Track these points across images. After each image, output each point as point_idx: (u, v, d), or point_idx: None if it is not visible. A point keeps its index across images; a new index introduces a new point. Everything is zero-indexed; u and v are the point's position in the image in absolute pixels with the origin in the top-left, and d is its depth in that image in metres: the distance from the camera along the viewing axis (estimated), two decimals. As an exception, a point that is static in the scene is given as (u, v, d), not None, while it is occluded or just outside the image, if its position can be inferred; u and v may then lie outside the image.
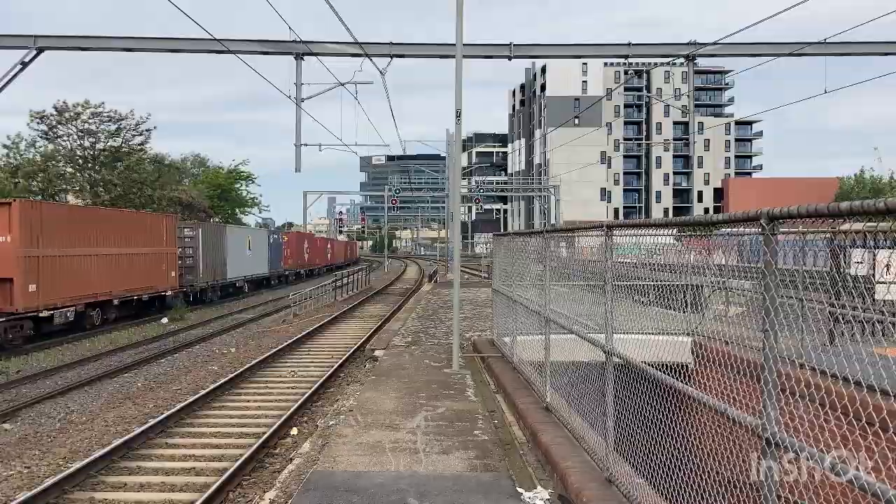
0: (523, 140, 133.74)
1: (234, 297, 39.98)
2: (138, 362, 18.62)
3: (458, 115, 13.62)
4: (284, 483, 8.08)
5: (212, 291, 36.98)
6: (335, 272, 58.96)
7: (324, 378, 15.11)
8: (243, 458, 9.49)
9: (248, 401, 13.81)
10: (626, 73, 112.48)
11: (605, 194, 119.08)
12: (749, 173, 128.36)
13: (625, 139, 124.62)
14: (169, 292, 30.85)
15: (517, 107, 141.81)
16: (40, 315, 21.55)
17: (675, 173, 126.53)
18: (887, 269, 10.89)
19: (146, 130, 46.12)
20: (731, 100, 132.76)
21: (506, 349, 13.30)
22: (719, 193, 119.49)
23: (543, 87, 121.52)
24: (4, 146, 43.97)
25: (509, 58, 22.45)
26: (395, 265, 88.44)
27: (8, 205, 21.25)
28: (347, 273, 44.49)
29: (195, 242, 34.37)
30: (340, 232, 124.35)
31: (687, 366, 5.21)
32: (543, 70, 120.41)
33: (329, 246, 77.99)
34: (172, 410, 12.24)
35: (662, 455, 5.43)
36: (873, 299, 10.33)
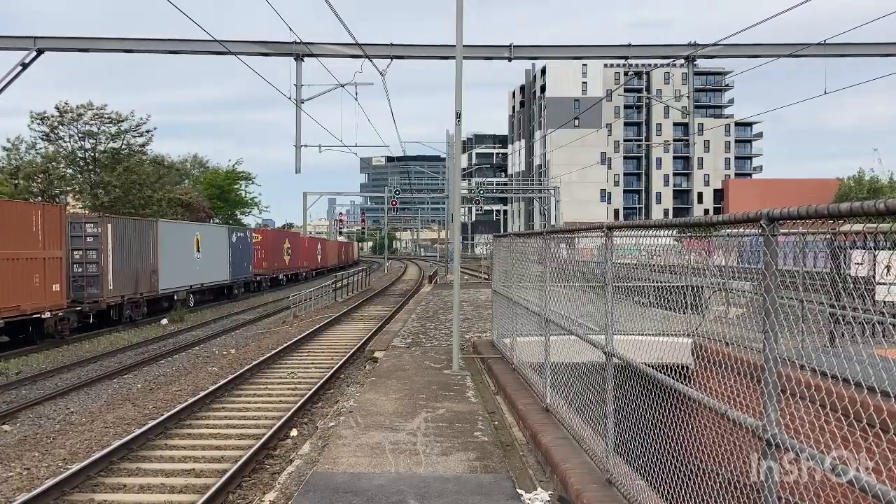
0: (523, 141, 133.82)
1: (166, 314, 29.94)
2: (138, 363, 18.61)
3: (458, 116, 13.62)
4: (284, 484, 8.07)
5: (132, 308, 27.50)
6: (328, 276, 53.79)
7: (324, 379, 15.11)
8: (243, 460, 9.48)
9: (248, 402, 13.81)
10: (625, 74, 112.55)
11: (605, 195, 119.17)
12: (749, 174, 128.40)
13: (625, 140, 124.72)
14: (48, 313, 21.58)
15: (517, 108, 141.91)
16: None
17: (675, 174, 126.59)
18: (887, 271, 10.89)
19: (147, 132, 46.12)
20: (731, 101, 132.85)
21: (506, 350, 13.30)
22: (719, 194, 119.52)
23: (543, 88, 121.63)
24: (4, 148, 44.00)
25: (509, 59, 22.48)
26: (394, 266, 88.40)
27: None
28: (346, 275, 43.80)
29: (101, 243, 25.28)
30: (340, 233, 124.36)
31: (687, 367, 5.20)
32: (543, 71, 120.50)
33: (319, 246, 69.85)
34: (172, 412, 12.23)
35: (663, 456, 5.43)
36: (873, 300, 10.33)
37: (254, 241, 45.95)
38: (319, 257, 68.50)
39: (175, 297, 31.77)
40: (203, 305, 34.76)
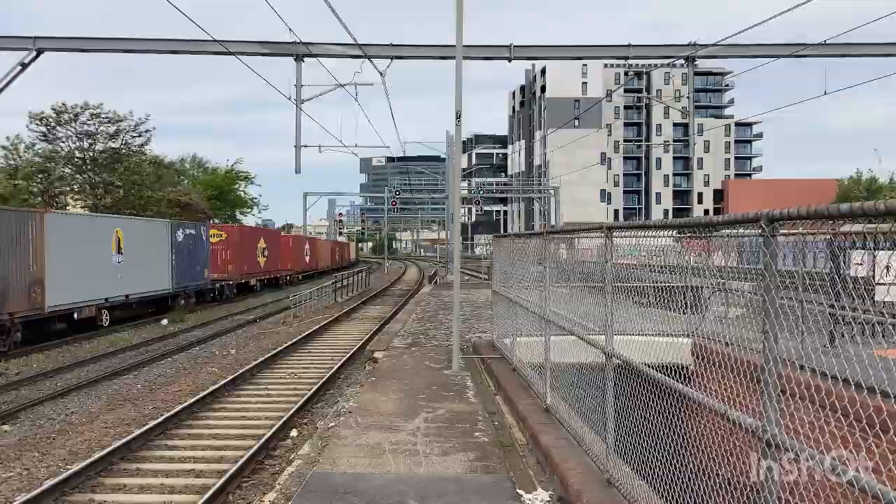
0: (523, 141, 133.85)
1: (58, 339, 22.26)
2: (138, 364, 18.60)
3: (458, 116, 13.62)
4: (284, 485, 8.06)
5: None
6: (319, 280, 49.41)
7: (324, 380, 15.12)
8: (243, 460, 9.49)
9: (248, 402, 13.81)
10: (625, 74, 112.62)
11: (605, 196, 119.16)
12: (749, 175, 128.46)
13: (625, 140, 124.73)
14: None
15: (517, 108, 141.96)
16: None
17: (674, 175, 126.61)
18: (887, 271, 10.88)
19: (145, 132, 46.15)
20: (731, 101, 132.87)
21: (506, 351, 13.30)
22: (719, 195, 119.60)
23: (543, 89, 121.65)
24: (3, 147, 43.98)
25: (509, 59, 22.48)
26: (394, 267, 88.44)
27: None
28: (346, 275, 43.48)
29: None
30: (340, 233, 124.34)
31: (687, 367, 5.21)
32: (543, 71, 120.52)
33: (308, 247, 62.07)
34: (172, 412, 12.23)
35: (663, 456, 5.43)
36: (873, 301, 10.32)
37: (215, 239, 38.31)
38: (308, 258, 61.08)
39: (76, 316, 23.60)
40: (127, 323, 26.65)
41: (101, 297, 25.25)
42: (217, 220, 55.84)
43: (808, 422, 4.70)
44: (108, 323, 25.63)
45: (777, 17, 17.10)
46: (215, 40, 18.96)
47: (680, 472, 5.09)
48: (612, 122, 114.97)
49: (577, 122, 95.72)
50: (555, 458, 7.23)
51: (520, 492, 6.95)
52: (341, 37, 30.16)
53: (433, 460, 7.97)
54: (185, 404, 12.80)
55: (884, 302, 10.15)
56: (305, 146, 25.01)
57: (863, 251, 12.10)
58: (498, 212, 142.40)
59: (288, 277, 52.58)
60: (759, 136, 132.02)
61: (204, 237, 35.93)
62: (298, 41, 21.29)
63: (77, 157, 43.98)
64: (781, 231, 3.60)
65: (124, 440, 10.51)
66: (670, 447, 5.35)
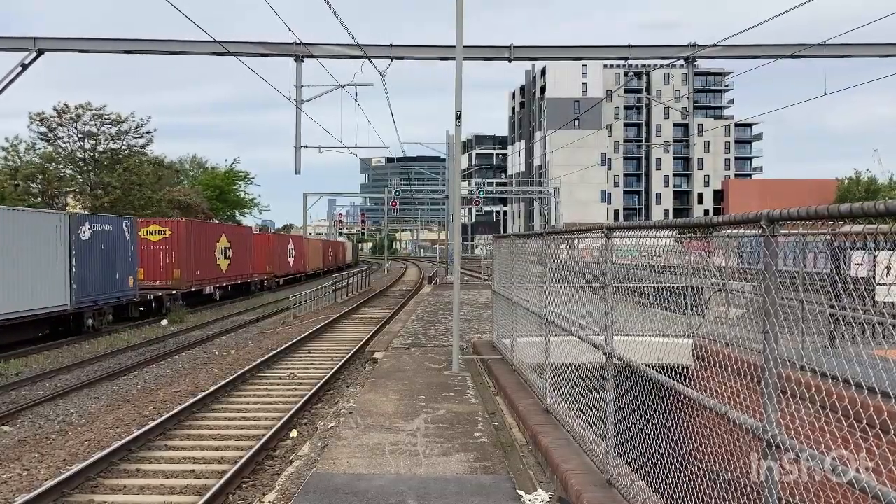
0: (523, 142, 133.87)
1: None
2: (138, 364, 18.60)
3: (458, 116, 13.62)
4: (284, 485, 8.06)
5: None
6: (307, 284, 46.04)
7: (323, 380, 15.11)
8: (243, 461, 9.48)
9: (248, 403, 13.81)
10: (625, 74, 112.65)
11: (605, 196, 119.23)
12: (749, 175, 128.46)
13: (625, 141, 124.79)
14: None
15: (517, 109, 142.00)
16: None
17: (674, 175, 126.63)
18: (887, 271, 10.88)
19: (147, 133, 46.19)
20: (731, 102, 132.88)
21: (506, 351, 13.29)
22: (719, 195, 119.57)
23: (543, 89, 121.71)
24: (2, 148, 44.02)
25: (509, 59, 22.51)
26: (394, 267, 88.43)
27: None
28: (346, 275, 43.39)
29: None
30: (340, 234, 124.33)
31: (687, 368, 5.20)
32: (543, 72, 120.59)
33: (292, 246, 54.41)
34: (172, 412, 12.22)
35: (663, 457, 5.42)
36: (873, 301, 10.32)
37: (156, 237, 31.49)
38: (292, 260, 53.68)
39: None
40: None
41: None
42: (217, 220, 55.80)
43: (809, 422, 4.69)
44: None
45: (777, 17, 17.12)
46: (215, 41, 18.98)
47: (680, 472, 5.09)
48: (612, 122, 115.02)
49: (577, 123, 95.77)
50: (555, 459, 7.22)
51: (520, 492, 6.94)
52: (341, 37, 30.15)
53: (433, 461, 7.97)
54: (185, 405, 12.79)
55: (884, 302, 10.15)
56: (305, 146, 25.06)
57: (863, 251, 12.10)
58: (498, 212, 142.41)
59: (264, 282, 45.76)
60: (759, 136, 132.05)
61: (127, 234, 26.81)
62: (298, 42, 21.31)
63: (79, 158, 44.01)
64: (782, 231, 3.60)
65: (124, 441, 10.49)
66: (670, 448, 5.34)
